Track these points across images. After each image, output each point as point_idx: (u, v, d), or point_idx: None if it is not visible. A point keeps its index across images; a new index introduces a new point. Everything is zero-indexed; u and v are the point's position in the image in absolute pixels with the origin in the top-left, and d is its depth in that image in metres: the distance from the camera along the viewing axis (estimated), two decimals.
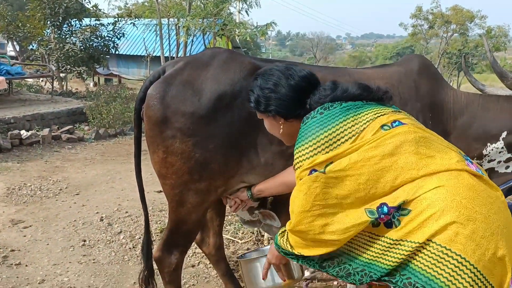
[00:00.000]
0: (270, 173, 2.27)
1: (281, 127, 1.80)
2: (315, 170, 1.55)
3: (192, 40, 14.30)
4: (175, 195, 2.30)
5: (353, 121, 1.58)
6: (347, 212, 1.52)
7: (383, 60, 41.51)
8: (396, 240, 1.45)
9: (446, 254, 1.37)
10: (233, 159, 2.23)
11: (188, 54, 14.15)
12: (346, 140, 1.56)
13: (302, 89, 1.75)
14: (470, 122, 2.46)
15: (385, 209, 1.46)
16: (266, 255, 1.97)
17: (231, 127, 2.17)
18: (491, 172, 2.50)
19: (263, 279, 2.02)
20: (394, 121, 1.59)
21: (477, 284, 1.34)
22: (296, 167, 1.64)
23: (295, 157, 1.64)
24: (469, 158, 1.62)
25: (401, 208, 1.45)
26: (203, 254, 3.33)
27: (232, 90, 2.17)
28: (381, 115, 1.61)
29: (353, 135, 1.56)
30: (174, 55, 14.79)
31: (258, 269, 2.15)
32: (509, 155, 2.45)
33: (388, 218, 1.47)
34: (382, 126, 1.56)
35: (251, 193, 2.33)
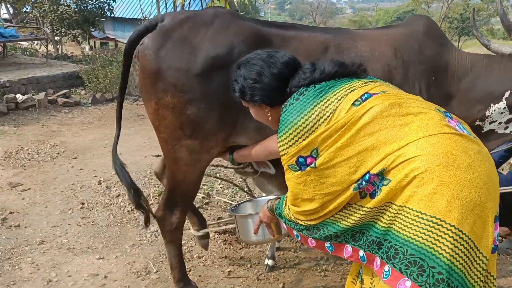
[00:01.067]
0: (262, 136, 2.27)
1: (269, 114, 1.82)
2: (302, 157, 1.62)
3: (190, 3, 14.00)
4: (169, 151, 2.32)
5: (326, 102, 1.60)
6: None
7: (383, 24, 40.83)
8: (371, 208, 1.53)
9: (422, 217, 1.42)
10: (226, 120, 2.23)
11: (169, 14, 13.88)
12: (322, 123, 1.58)
13: (285, 77, 1.76)
14: (474, 83, 2.42)
15: (367, 176, 1.52)
16: (258, 213, 2.16)
17: (225, 89, 2.14)
18: (490, 133, 2.48)
19: (255, 233, 2.24)
20: (363, 94, 1.59)
21: (458, 242, 1.39)
22: (281, 155, 1.69)
23: (279, 146, 1.69)
24: (449, 114, 1.65)
25: (383, 178, 1.49)
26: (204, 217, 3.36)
27: (230, 53, 2.15)
28: (351, 90, 1.62)
29: (328, 116, 1.58)
30: None
31: (250, 225, 2.36)
32: (510, 116, 2.42)
33: (373, 189, 1.53)
34: (353, 103, 1.57)
35: (232, 157, 2.39)
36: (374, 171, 1.51)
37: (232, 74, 1.87)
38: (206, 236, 2.98)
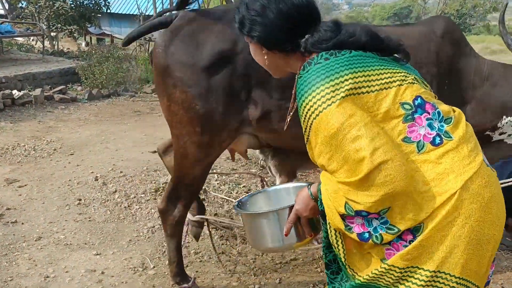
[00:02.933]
0: (268, 125, 2.33)
1: (265, 57, 1.55)
2: None
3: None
4: (180, 147, 2.37)
5: (365, 76, 1.36)
6: None
7: (380, 20, 40.79)
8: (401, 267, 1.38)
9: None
10: (234, 112, 2.28)
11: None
12: (365, 93, 1.35)
13: (293, 20, 1.46)
14: (490, 93, 2.39)
15: None
16: (276, 210, 1.69)
17: (232, 82, 2.22)
18: (499, 143, 2.47)
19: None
20: (416, 98, 1.39)
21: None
22: (315, 113, 1.34)
23: (300, 111, 1.40)
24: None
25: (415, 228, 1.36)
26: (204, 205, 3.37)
27: (234, 47, 2.21)
28: (399, 82, 1.39)
29: (374, 90, 1.36)
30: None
31: (265, 227, 1.72)
32: None
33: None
34: (402, 104, 1.36)
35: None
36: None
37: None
38: (200, 225, 2.99)
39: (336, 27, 1.46)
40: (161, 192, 4.15)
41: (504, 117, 2.39)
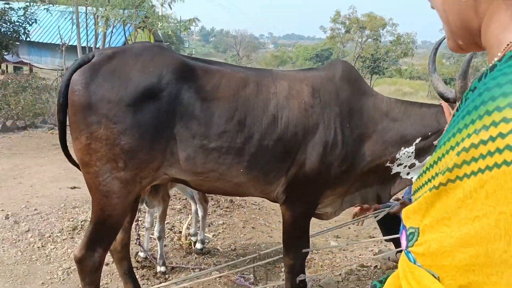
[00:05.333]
0: (192, 168, 2.33)
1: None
2: None
3: (112, 31, 13.79)
4: (100, 184, 2.28)
5: None
6: None
7: (303, 60, 42.84)
8: None
9: None
10: (157, 149, 2.27)
11: (107, 45, 13.61)
12: None
13: None
14: (390, 127, 2.58)
15: None
16: None
17: (157, 117, 2.23)
18: (396, 176, 2.66)
19: None
20: None
21: None
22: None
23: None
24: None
25: None
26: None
27: (159, 83, 2.23)
28: None
29: None
30: (92, 46, 14.15)
31: None
32: (414, 161, 2.61)
33: None
34: None
35: None
36: None
37: None
38: None
39: None
40: (80, 231, 3.96)
41: (402, 148, 2.59)
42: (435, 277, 0.62)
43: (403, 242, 0.70)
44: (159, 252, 3.52)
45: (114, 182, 2.27)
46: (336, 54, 32.78)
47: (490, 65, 0.65)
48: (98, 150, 2.21)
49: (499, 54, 0.65)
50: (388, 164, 2.61)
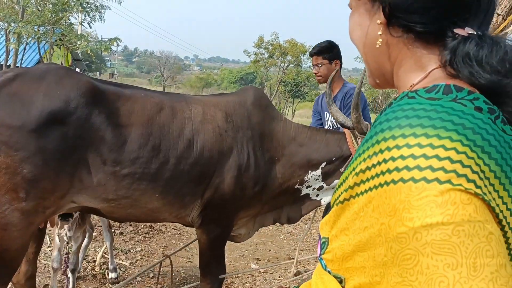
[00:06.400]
0: (102, 194, 2.24)
1: (381, 34, 0.81)
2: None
3: (25, 48, 13.09)
4: None
5: None
6: None
7: (228, 83, 43.37)
8: None
9: None
10: (64, 177, 2.14)
11: (19, 63, 12.87)
12: None
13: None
14: (297, 151, 2.70)
15: None
16: None
17: (63, 143, 2.11)
18: (306, 197, 2.78)
19: None
20: None
21: None
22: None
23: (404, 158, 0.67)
24: None
25: None
26: None
27: (67, 107, 2.12)
28: None
29: None
30: (2, 63, 13.29)
31: None
32: (321, 184, 2.75)
33: None
34: None
35: None
36: None
37: None
38: None
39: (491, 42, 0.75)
40: None
41: (309, 171, 2.72)
42: (342, 279, 0.74)
43: (318, 251, 0.82)
44: (70, 286, 3.30)
45: (14, 213, 2.09)
46: (260, 78, 33.61)
47: (389, 102, 0.79)
48: None
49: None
50: (297, 186, 2.73)
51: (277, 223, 2.95)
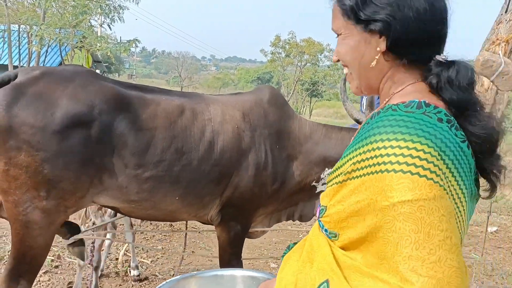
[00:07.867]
0: (123, 196, 2.28)
1: (377, 58, 1.06)
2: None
3: (47, 51, 13.34)
4: (19, 214, 2.13)
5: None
6: None
7: (245, 83, 43.46)
8: None
9: None
10: (84, 179, 2.17)
11: (41, 65, 13.12)
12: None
13: (443, 22, 1.05)
14: (314, 148, 2.73)
15: None
16: None
17: (85, 147, 2.13)
18: (320, 195, 2.81)
19: None
20: None
21: None
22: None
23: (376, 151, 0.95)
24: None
25: None
26: (48, 283, 3.11)
27: (91, 112, 2.14)
28: None
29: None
30: (25, 65, 13.57)
31: None
32: None
33: None
34: None
35: None
36: None
37: None
38: (81, 243, 2.76)
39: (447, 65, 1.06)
40: (6, 262, 3.74)
41: (326, 169, 2.75)
42: (336, 234, 1.05)
43: (317, 214, 1.13)
44: (93, 283, 3.38)
45: (35, 212, 2.13)
46: (277, 77, 33.56)
47: (376, 111, 1.07)
48: (17, 177, 2.07)
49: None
50: (314, 183, 2.75)
51: (296, 221, 2.97)
